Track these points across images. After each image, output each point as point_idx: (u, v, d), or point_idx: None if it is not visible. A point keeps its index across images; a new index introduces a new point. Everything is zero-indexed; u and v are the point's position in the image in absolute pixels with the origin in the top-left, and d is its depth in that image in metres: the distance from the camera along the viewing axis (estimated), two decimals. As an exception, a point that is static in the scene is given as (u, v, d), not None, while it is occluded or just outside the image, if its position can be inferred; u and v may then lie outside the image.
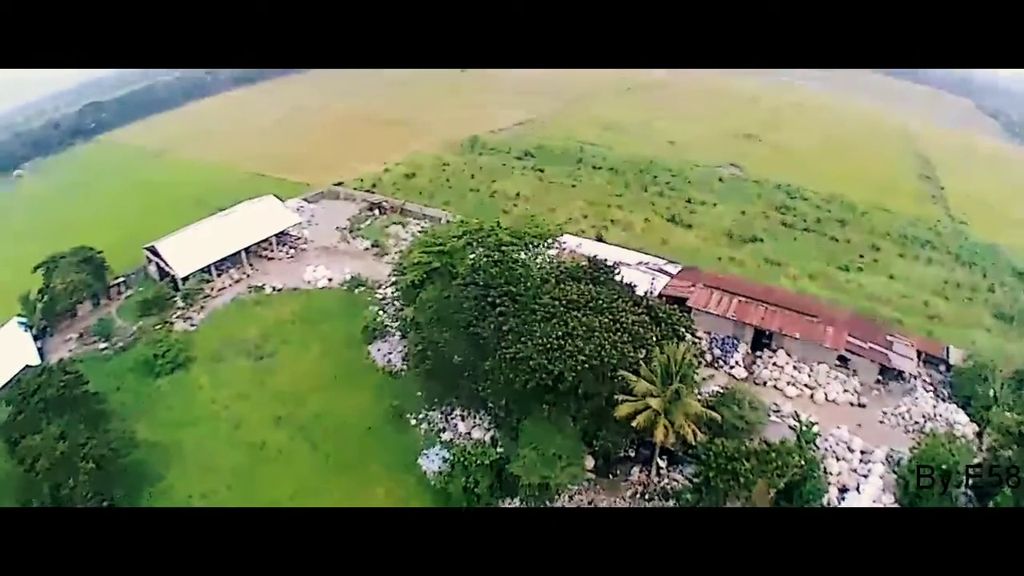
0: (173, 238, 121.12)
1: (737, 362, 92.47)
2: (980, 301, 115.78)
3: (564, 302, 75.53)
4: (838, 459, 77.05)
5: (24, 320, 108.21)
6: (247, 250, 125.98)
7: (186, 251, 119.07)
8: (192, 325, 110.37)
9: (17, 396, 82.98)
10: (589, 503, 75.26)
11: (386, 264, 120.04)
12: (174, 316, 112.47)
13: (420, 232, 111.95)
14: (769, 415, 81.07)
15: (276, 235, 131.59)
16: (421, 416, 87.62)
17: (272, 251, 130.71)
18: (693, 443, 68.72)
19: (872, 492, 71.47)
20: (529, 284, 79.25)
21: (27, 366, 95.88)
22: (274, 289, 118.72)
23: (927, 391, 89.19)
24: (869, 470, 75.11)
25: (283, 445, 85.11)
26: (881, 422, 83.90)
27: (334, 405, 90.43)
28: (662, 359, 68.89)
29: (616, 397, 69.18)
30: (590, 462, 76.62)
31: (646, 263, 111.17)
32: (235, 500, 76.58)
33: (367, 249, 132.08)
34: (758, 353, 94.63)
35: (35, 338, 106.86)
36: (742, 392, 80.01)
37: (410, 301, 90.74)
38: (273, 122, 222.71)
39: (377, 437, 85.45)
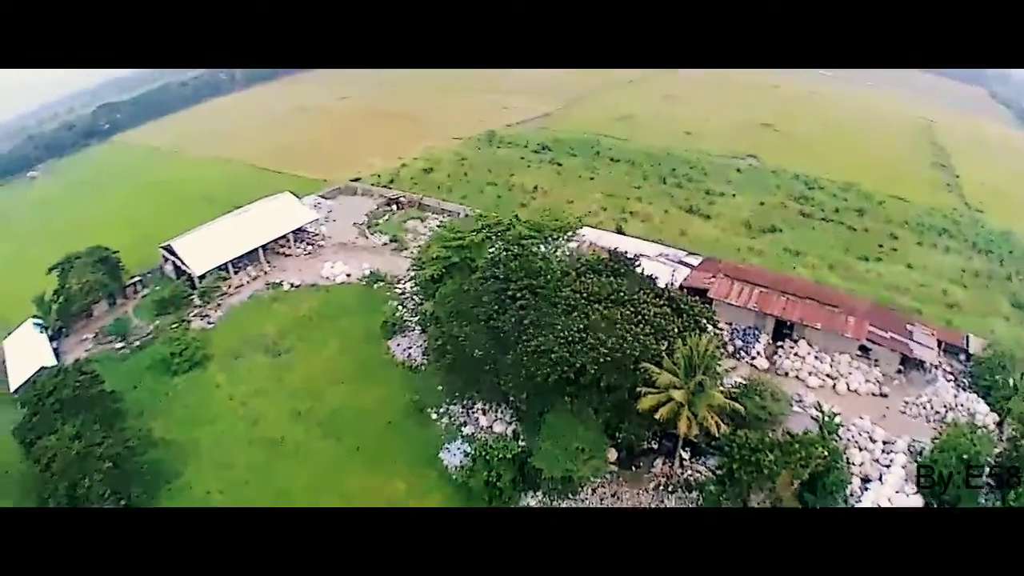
0: (189, 236, 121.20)
1: (759, 353, 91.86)
2: (998, 289, 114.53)
3: (585, 295, 75.31)
4: (860, 449, 76.30)
5: (40, 321, 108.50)
6: (264, 247, 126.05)
7: (203, 249, 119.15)
8: (209, 323, 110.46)
9: (33, 397, 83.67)
10: (612, 495, 74.83)
11: (404, 259, 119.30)
12: (191, 314, 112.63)
13: (438, 226, 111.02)
14: (791, 406, 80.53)
15: (293, 232, 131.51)
16: (442, 410, 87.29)
17: (290, 248, 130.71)
18: (716, 435, 68.40)
19: (895, 482, 70.78)
20: (549, 277, 78.73)
21: (42, 367, 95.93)
22: (292, 286, 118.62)
23: (948, 380, 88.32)
24: (891, 460, 74.47)
25: (302, 441, 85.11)
26: (903, 412, 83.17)
27: (353, 400, 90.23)
28: (685, 351, 68.48)
29: (639, 389, 68.76)
30: (613, 454, 76.36)
31: (666, 255, 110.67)
32: (253, 496, 76.57)
33: (385, 244, 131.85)
34: (779, 343, 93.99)
35: (51, 339, 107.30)
36: (764, 383, 79.57)
37: (429, 296, 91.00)
38: (288, 119, 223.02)
39: (398, 432, 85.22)
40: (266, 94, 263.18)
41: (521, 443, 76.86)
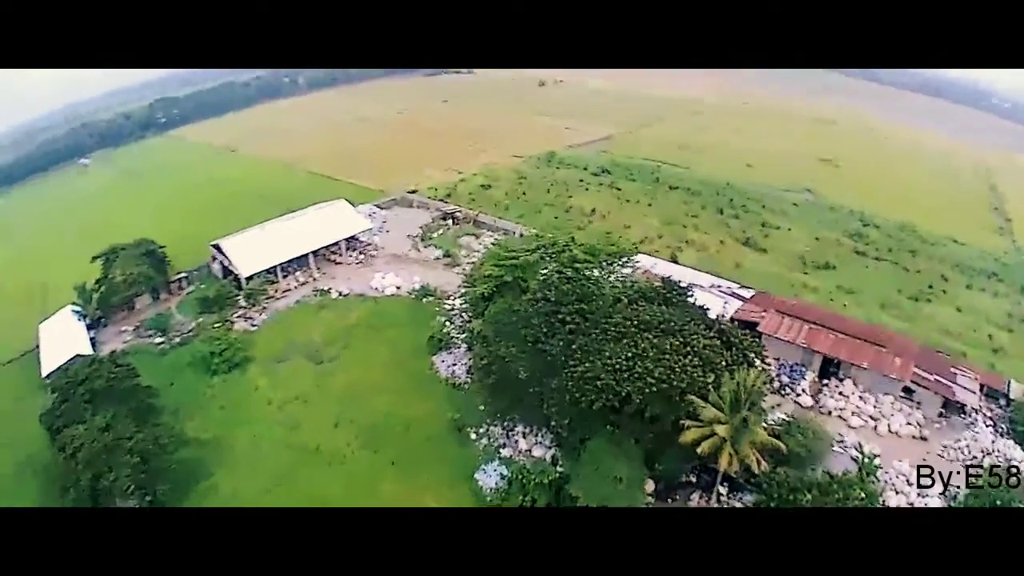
0: (239, 237, 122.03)
1: (804, 390, 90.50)
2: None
3: (636, 322, 74.09)
4: (897, 492, 74.88)
5: (78, 309, 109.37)
6: (315, 253, 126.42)
7: (252, 251, 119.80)
8: (253, 325, 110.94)
9: (64, 384, 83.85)
10: (647, 528, 73.93)
11: (456, 275, 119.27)
12: (235, 315, 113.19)
13: (493, 244, 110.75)
14: (832, 445, 79.40)
15: (346, 240, 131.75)
16: (482, 430, 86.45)
17: (341, 256, 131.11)
18: (756, 472, 67.46)
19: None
20: (601, 303, 78.07)
21: (77, 355, 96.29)
22: (340, 294, 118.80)
23: (987, 425, 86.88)
24: (926, 505, 73.16)
25: (338, 450, 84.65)
26: (940, 455, 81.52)
27: (394, 413, 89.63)
28: (731, 385, 67.42)
29: (682, 422, 67.77)
30: (650, 486, 75.39)
31: (719, 286, 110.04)
32: (282, 501, 76.03)
33: (438, 259, 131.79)
34: (825, 381, 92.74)
35: (89, 328, 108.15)
36: (808, 421, 78.61)
37: (478, 313, 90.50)
38: (347, 127, 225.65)
39: (435, 448, 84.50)
40: (325, 100, 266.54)
41: (559, 469, 75.93)
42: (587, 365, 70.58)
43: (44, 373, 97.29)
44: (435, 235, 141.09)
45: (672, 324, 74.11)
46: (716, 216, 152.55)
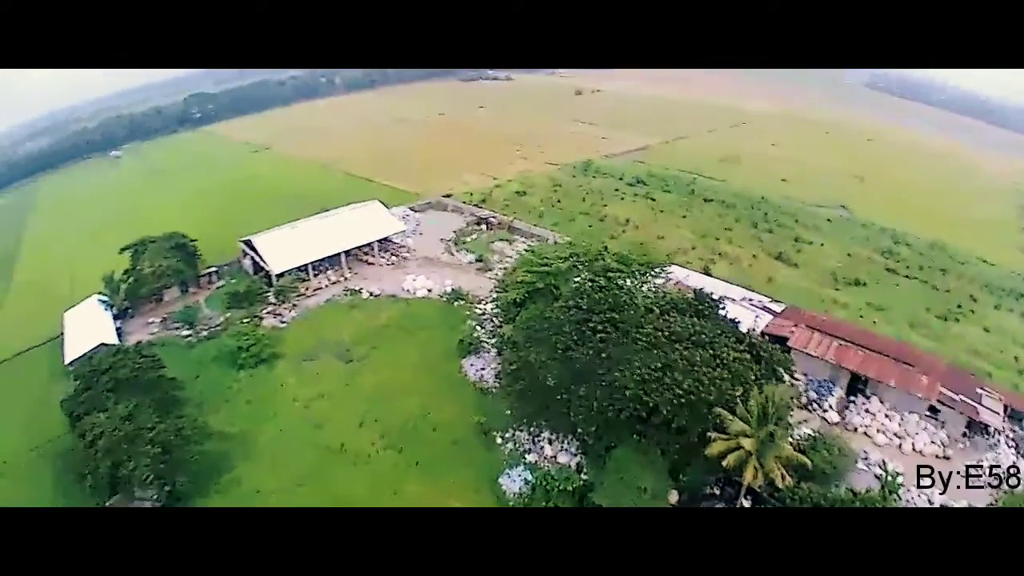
0: (271, 234, 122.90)
1: (831, 406, 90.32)
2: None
3: (667, 333, 74.17)
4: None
5: (105, 299, 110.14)
6: (347, 253, 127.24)
7: (284, 248, 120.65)
8: (282, 322, 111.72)
9: (87, 372, 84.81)
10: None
11: (488, 280, 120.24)
12: (264, 311, 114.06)
13: (526, 250, 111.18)
14: (857, 462, 79.27)
15: (379, 241, 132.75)
16: (508, 435, 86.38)
17: (373, 257, 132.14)
18: (780, 486, 67.43)
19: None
20: (632, 312, 78.12)
21: (102, 344, 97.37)
22: (371, 295, 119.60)
23: (1009, 447, 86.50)
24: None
25: (363, 449, 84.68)
26: (960, 474, 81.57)
27: (421, 415, 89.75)
28: (760, 399, 67.32)
29: (709, 434, 67.83)
30: (674, 496, 75.37)
31: (750, 299, 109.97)
32: (304, 499, 76.04)
33: (470, 263, 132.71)
34: (852, 398, 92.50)
35: (115, 318, 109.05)
36: (834, 438, 78.32)
37: (509, 319, 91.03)
38: (384, 129, 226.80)
39: (461, 451, 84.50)
40: (362, 102, 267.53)
41: (583, 476, 75.97)
42: (616, 374, 70.72)
43: (67, 360, 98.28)
44: (468, 239, 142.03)
45: (703, 336, 74.15)
46: (750, 230, 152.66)
